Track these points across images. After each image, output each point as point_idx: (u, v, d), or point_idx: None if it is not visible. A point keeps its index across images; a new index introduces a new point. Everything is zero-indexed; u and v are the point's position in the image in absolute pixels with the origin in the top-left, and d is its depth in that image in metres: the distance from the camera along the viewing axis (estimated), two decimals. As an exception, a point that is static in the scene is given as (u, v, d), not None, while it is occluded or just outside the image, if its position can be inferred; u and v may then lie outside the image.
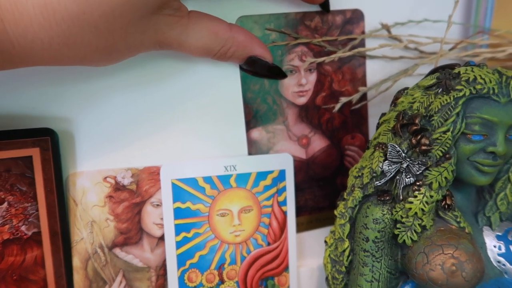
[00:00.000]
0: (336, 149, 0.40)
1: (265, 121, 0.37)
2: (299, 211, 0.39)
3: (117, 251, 0.33)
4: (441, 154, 0.27)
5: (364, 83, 0.40)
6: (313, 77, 0.38)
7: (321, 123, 0.39)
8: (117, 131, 0.33)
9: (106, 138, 0.33)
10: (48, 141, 0.30)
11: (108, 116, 0.33)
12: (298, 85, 0.38)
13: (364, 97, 0.40)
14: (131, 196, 0.33)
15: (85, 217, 0.32)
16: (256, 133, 0.37)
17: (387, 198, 0.29)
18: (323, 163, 0.40)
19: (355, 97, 0.38)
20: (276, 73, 0.35)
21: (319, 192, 0.40)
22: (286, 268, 0.37)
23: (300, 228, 0.40)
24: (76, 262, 0.32)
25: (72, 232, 0.32)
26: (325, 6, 0.36)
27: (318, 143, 0.39)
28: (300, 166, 0.39)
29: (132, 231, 0.33)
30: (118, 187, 0.33)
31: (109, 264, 0.33)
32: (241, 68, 0.35)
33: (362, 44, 0.38)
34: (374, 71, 0.40)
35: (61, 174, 0.31)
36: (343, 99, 0.38)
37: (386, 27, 0.38)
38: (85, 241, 0.32)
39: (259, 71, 0.34)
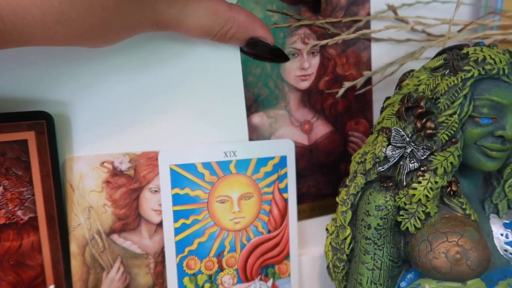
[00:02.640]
0: (339, 135, 0.39)
1: (266, 105, 0.36)
2: (301, 199, 0.38)
3: (115, 237, 0.33)
4: (447, 138, 0.26)
5: (369, 67, 0.38)
6: (316, 60, 0.37)
7: (324, 108, 0.38)
8: (114, 115, 0.32)
9: (104, 122, 0.32)
10: (43, 124, 0.30)
11: (105, 99, 0.32)
12: (301, 69, 0.36)
13: (368, 81, 0.38)
14: (129, 182, 0.33)
15: (82, 202, 0.32)
16: (257, 118, 0.36)
17: (390, 184, 0.28)
18: (326, 149, 0.39)
19: (360, 81, 0.37)
20: (278, 55, 0.34)
21: (322, 179, 0.39)
22: (287, 256, 0.36)
23: (303, 215, 0.39)
24: (74, 247, 0.32)
25: (69, 218, 0.32)
26: (314, 6, 0.34)
27: (321, 129, 0.38)
28: (303, 153, 0.38)
29: (130, 217, 0.33)
30: (115, 172, 0.32)
31: (107, 250, 0.33)
32: (241, 50, 0.34)
33: (367, 26, 0.37)
34: (379, 54, 0.38)
35: (58, 158, 0.31)
36: (347, 84, 0.37)
37: (392, 8, 0.36)
38: (83, 226, 0.32)
39: (261, 53, 0.33)
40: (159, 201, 0.33)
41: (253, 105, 0.36)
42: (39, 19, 0.23)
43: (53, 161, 0.30)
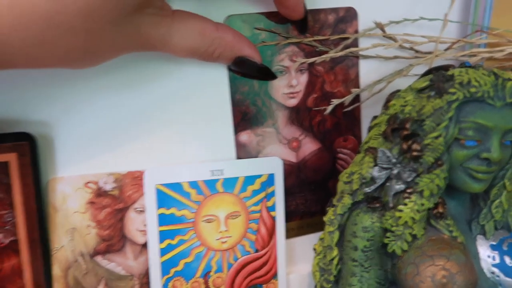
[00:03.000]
0: (328, 152, 0.39)
1: (254, 123, 0.36)
2: (289, 216, 0.38)
3: (99, 259, 0.32)
4: (433, 161, 0.26)
5: (357, 84, 0.38)
6: (304, 78, 0.37)
7: (312, 126, 0.38)
8: (99, 135, 0.32)
9: (88, 142, 0.32)
10: (26, 146, 0.29)
11: (89, 119, 0.32)
12: (289, 86, 0.36)
13: (357, 98, 0.38)
14: (113, 202, 0.32)
15: (65, 224, 0.31)
16: (245, 136, 0.36)
17: (377, 205, 0.28)
18: (315, 166, 0.39)
19: (348, 98, 0.37)
20: (265, 74, 0.34)
21: (310, 196, 0.39)
22: (275, 275, 0.36)
23: (291, 233, 0.39)
24: (56, 270, 0.31)
25: (52, 240, 0.31)
26: (301, 26, 0.34)
27: (309, 146, 0.38)
28: (291, 170, 0.38)
29: (114, 238, 0.32)
30: (100, 192, 0.32)
31: (91, 273, 0.32)
32: (229, 69, 0.34)
33: (355, 43, 0.37)
34: (367, 71, 0.38)
35: (40, 179, 0.30)
36: (335, 101, 0.36)
37: (380, 26, 0.36)
38: (66, 248, 0.31)
39: (248, 72, 0.33)
40: (144, 222, 0.33)
41: (240, 123, 0.35)
42: (18, 45, 0.22)
43: (36, 182, 0.30)
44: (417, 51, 0.38)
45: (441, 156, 0.26)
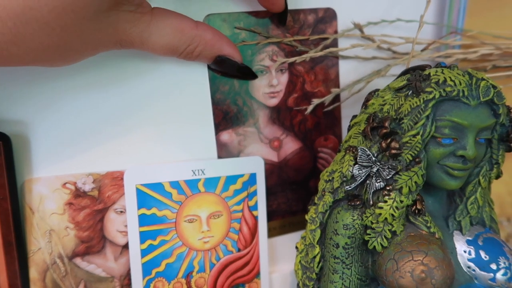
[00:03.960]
0: (309, 152, 0.39)
1: (235, 123, 0.36)
2: (271, 215, 0.38)
3: (78, 261, 0.31)
4: (411, 158, 0.27)
5: (337, 84, 0.39)
6: (284, 77, 0.37)
7: (293, 125, 0.38)
8: (77, 134, 0.31)
9: (65, 142, 0.31)
10: (0, 145, 0.28)
11: (67, 118, 0.31)
12: (269, 86, 0.36)
13: (337, 98, 0.39)
14: (92, 203, 0.32)
15: (42, 225, 0.31)
16: (226, 135, 0.36)
17: (358, 203, 0.29)
18: (296, 166, 0.39)
19: (328, 98, 0.37)
20: (245, 73, 0.34)
21: (292, 195, 0.39)
22: (257, 275, 0.36)
23: (273, 232, 0.39)
24: (33, 273, 0.30)
25: (28, 242, 0.30)
26: (281, 18, 0.35)
27: (291, 146, 0.38)
28: (272, 170, 0.38)
29: (94, 240, 0.32)
30: (78, 193, 0.31)
31: (69, 275, 0.31)
32: (209, 68, 0.34)
33: (334, 44, 0.38)
34: (347, 71, 0.39)
35: (15, 180, 0.29)
36: (316, 101, 0.37)
37: (358, 27, 0.37)
38: (43, 251, 0.31)
39: (228, 71, 0.33)
40: (124, 222, 0.32)
41: (221, 122, 0.35)
42: None
43: (11, 183, 0.29)
44: (394, 52, 0.39)
45: (418, 153, 0.27)
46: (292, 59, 0.36)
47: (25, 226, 0.30)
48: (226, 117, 0.35)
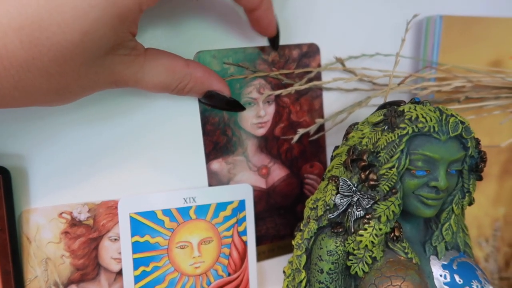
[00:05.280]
0: (295, 178, 0.41)
1: (225, 152, 0.38)
2: (260, 240, 0.40)
3: (73, 288, 0.33)
4: (388, 189, 0.29)
5: (321, 114, 0.41)
6: (271, 108, 0.39)
7: (280, 153, 0.40)
8: (73, 166, 0.33)
9: (62, 174, 0.32)
10: None
11: (63, 151, 0.32)
12: (257, 117, 0.38)
13: (321, 127, 0.41)
14: (87, 231, 0.33)
15: (39, 254, 0.32)
16: (216, 164, 0.37)
17: (340, 230, 0.30)
18: (283, 192, 0.41)
19: (313, 128, 0.39)
20: (234, 106, 0.36)
21: (280, 220, 0.41)
22: (247, 298, 0.38)
23: (262, 256, 0.40)
24: (29, 301, 0.32)
25: (25, 271, 0.32)
26: (273, 43, 0.37)
27: (278, 173, 0.40)
28: (261, 196, 0.40)
29: (89, 267, 0.33)
30: (74, 222, 0.33)
31: (65, 302, 0.32)
32: (199, 101, 0.36)
33: (318, 76, 0.40)
34: (330, 102, 0.41)
35: (14, 211, 0.31)
36: (301, 131, 0.39)
37: (340, 61, 0.39)
38: (39, 279, 0.32)
39: (218, 104, 0.35)
40: (118, 250, 0.34)
41: (211, 152, 0.37)
42: None
43: (9, 214, 0.30)
44: (374, 83, 0.41)
45: (395, 184, 0.29)
46: (278, 92, 0.38)
47: (22, 255, 0.31)
48: (216, 147, 0.37)
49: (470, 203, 0.32)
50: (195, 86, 0.32)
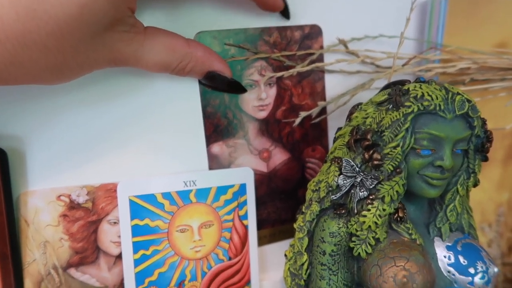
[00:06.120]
0: (297, 162, 0.41)
1: (225, 135, 0.37)
2: (261, 224, 0.39)
3: (72, 271, 0.32)
4: (392, 169, 0.28)
5: (323, 97, 0.40)
6: (273, 91, 0.38)
7: (281, 137, 0.40)
8: (71, 148, 0.32)
9: (60, 156, 0.32)
10: (-4, 160, 0.29)
11: (62, 133, 0.32)
12: (258, 100, 0.38)
13: (323, 110, 0.40)
14: (86, 215, 0.32)
15: (37, 237, 0.31)
16: (217, 148, 0.37)
17: (343, 211, 0.30)
18: (285, 176, 0.40)
19: (315, 111, 0.39)
20: (235, 87, 0.35)
21: (281, 204, 0.40)
22: (248, 282, 0.37)
23: (263, 241, 0.40)
24: (28, 284, 0.31)
25: (23, 254, 0.31)
26: (285, 13, 0.36)
27: (279, 157, 0.40)
28: (262, 180, 0.39)
29: (88, 251, 0.33)
30: (72, 205, 0.32)
31: (64, 286, 0.32)
32: (200, 83, 0.35)
33: (320, 58, 0.39)
34: (332, 84, 0.40)
35: (11, 193, 0.30)
36: (303, 113, 0.38)
37: (343, 43, 0.39)
38: (38, 262, 0.31)
39: (219, 86, 0.35)
40: (118, 233, 0.33)
41: (212, 135, 0.36)
42: None
43: (7, 196, 0.30)
44: (377, 66, 0.40)
45: (399, 164, 0.28)
46: (279, 74, 0.37)
47: (20, 238, 0.31)
48: (217, 129, 0.37)
49: (475, 184, 0.31)
50: (195, 66, 0.32)
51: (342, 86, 0.41)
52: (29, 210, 0.31)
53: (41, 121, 0.31)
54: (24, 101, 0.30)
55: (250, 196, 0.37)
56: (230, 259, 0.36)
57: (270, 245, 0.40)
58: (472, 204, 0.33)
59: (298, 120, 0.39)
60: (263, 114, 0.38)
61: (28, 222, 0.31)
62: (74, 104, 0.32)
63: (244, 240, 0.37)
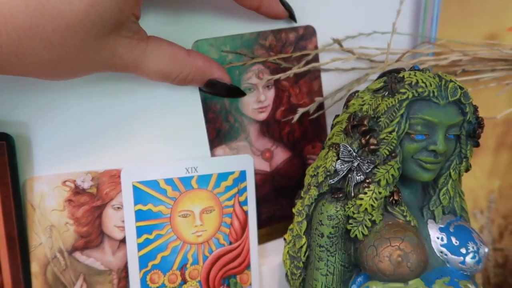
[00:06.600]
0: (298, 159, 0.42)
1: (228, 139, 0.38)
2: (267, 222, 0.40)
3: (77, 255, 0.33)
4: (387, 153, 0.29)
5: (320, 94, 0.41)
6: (271, 93, 0.39)
7: (282, 136, 0.40)
8: (77, 136, 0.33)
9: (65, 142, 0.33)
10: (3, 145, 0.30)
11: (68, 121, 0.33)
12: (258, 102, 0.39)
13: (321, 107, 0.41)
14: (91, 200, 0.33)
15: (43, 221, 0.32)
16: (220, 151, 0.38)
17: (340, 195, 0.31)
18: (287, 173, 0.41)
19: (312, 107, 0.39)
20: (235, 92, 0.36)
21: (285, 201, 0.41)
22: (248, 266, 0.38)
23: (271, 237, 0.41)
24: (35, 267, 0.32)
25: (30, 237, 0.32)
26: (292, 17, 0.37)
27: (281, 155, 0.41)
28: (265, 179, 0.40)
29: (92, 235, 0.33)
30: (77, 190, 0.33)
31: (69, 269, 0.33)
32: (200, 89, 0.36)
33: (316, 58, 0.40)
34: (329, 82, 0.41)
35: (18, 179, 0.31)
36: (301, 110, 0.39)
37: (337, 41, 0.40)
38: (44, 246, 0.32)
39: (219, 92, 0.35)
40: (122, 218, 0.34)
41: (215, 139, 0.37)
42: None
43: (14, 181, 0.31)
44: (372, 61, 0.41)
45: (394, 148, 0.29)
46: (277, 76, 0.37)
47: (26, 222, 0.32)
48: (219, 134, 0.37)
49: (467, 169, 0.32)
50: (196, 75, 0.32)
51: (338, 83, 0.41)
52: (35, 195, 0.32)
53: (48, 108, 0.32)
54: (32, 88, 0.31)
55: (250, 182, 0.38)
56: (230, 243, 0.37)
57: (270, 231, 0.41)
58: (464, 191, 0.34)
59: (296, 116, 0.39)
60: (263, 116, 0.39)
61: (34, 206, 0.32)
62: (81, 95, 0.33)
63: (244, 225, 0.38)
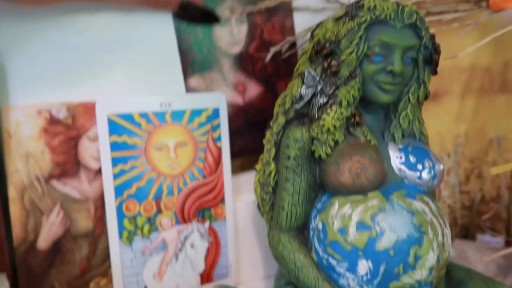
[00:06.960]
0: (271, 94, 0.43)
1: (201, 69, 0.39)
2: (240, 153, 0.42)
3: (54, 182, 0.34)
4: (348, 74, 0.31)
5: (293, 33, 0.43)
6: (244, 27, 0.41)
7: (255, 71, 0.42)
8: (53, 67, 0.34)
9: (41, 73, 0.34)
10: (-21, 71, 0.31)
11: (43, 51, 0.34)
12: (231, 35, 0.40)
13: (293, 46, 0.43)
14: (66, 130, 0.34)
15: (20, 149, 0.33)
16: (194, 81, 0.39)
17: (306, 120, 0.33)
18: (260, 107, 0.43)
19: (283, 45, 0.41)
20: (209, 17, 0.37)
21: (257, 134, 0.43)
22: (222, 200, 0.40)
23: (243, 168, 0.42)
24: (12, 192, 0.33)
25: (6, 164, 0.33)
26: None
27: (254, 90, 0.42)
28: (238, 112, 0.41)
29: (68, 164, 0.35)
30: (53, 120, 0.34)
31: (46, 196, 0.34)
32: (174, 16, 0.37)
33: (288, -5, 0.41)
34: (301, 22, 0.43)
35: (-6, 105, 0.32)
36: (273, 49, 0.41)
37: (309, -20, 0.41)
38: (21, 172, 0.33)
39: (193, 16, 0.36)
40: (97, 149, 0.35)
41: (189, 68, 0.39)
42: None
43: (-10, 107, 0.31)
44: (341, 4, 0.43)
45: (354, 69, 0.31)
46: (248, 9, 0.39)
47: (3, 149, 0.33)
48: (193, 64, 0.39)
49: (426, 96, 0.34)
50: None
51: (309, 24, 0.43)
52: (11, 123, 0.33)
53: (23, 39, 0.33)
54: (6, 17, 0.32)
55: (223, 120, 0.39)
56: (204, 177, 0.39)
57: (244, 173, 0.43)
58: (431, 134, 0.36)
59: (269, 56, 0.41)
60: (236, 49, 0.41)
61: (11, 134, 0.33)
62: (56, 27, 0.34)
63: (218, 161, 0.39)
